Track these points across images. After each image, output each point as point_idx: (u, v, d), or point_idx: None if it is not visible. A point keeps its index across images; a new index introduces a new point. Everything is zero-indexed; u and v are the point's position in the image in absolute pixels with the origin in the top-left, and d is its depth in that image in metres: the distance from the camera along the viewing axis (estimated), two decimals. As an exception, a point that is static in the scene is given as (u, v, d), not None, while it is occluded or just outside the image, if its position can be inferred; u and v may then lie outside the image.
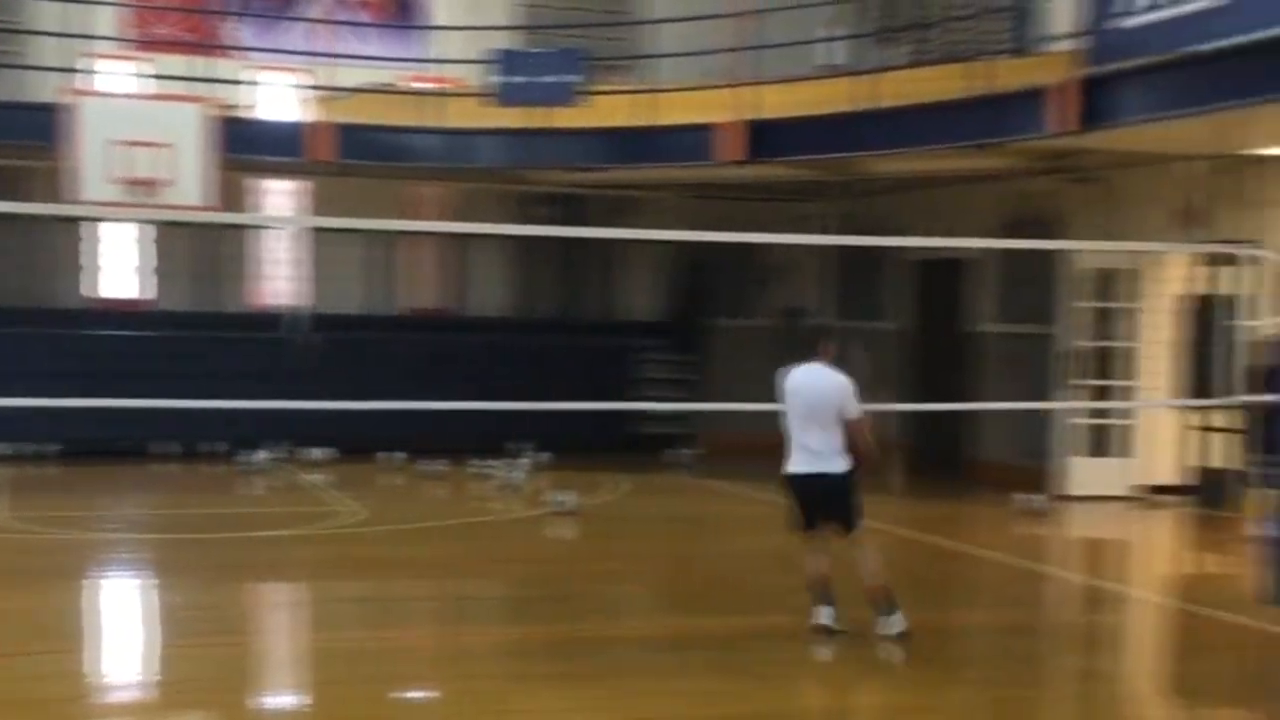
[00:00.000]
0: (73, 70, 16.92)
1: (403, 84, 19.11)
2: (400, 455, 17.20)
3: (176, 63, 18.01)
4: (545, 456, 17.56)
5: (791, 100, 16.34)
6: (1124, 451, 15.80)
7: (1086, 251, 15.60)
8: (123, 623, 9.77)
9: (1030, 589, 11.27)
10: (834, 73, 17.26)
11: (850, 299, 20.60)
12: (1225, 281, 15.25)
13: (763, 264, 21.01)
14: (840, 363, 9.25)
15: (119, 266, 19.08)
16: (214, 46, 18.86)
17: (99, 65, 18.42)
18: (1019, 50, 16.53)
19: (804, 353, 9.31)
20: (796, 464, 9.16)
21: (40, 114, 16.20)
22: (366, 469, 16.99)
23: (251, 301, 19.55)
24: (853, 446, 9.07)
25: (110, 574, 11.36)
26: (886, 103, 15.19)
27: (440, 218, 19.77)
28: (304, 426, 18.12)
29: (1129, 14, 12.33)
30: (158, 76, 17.97)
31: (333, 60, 18.07)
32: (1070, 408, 15.44)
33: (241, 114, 17.74)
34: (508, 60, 16.99)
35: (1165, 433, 15.69)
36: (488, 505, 15.12)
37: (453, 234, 19.98)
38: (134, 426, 17.09)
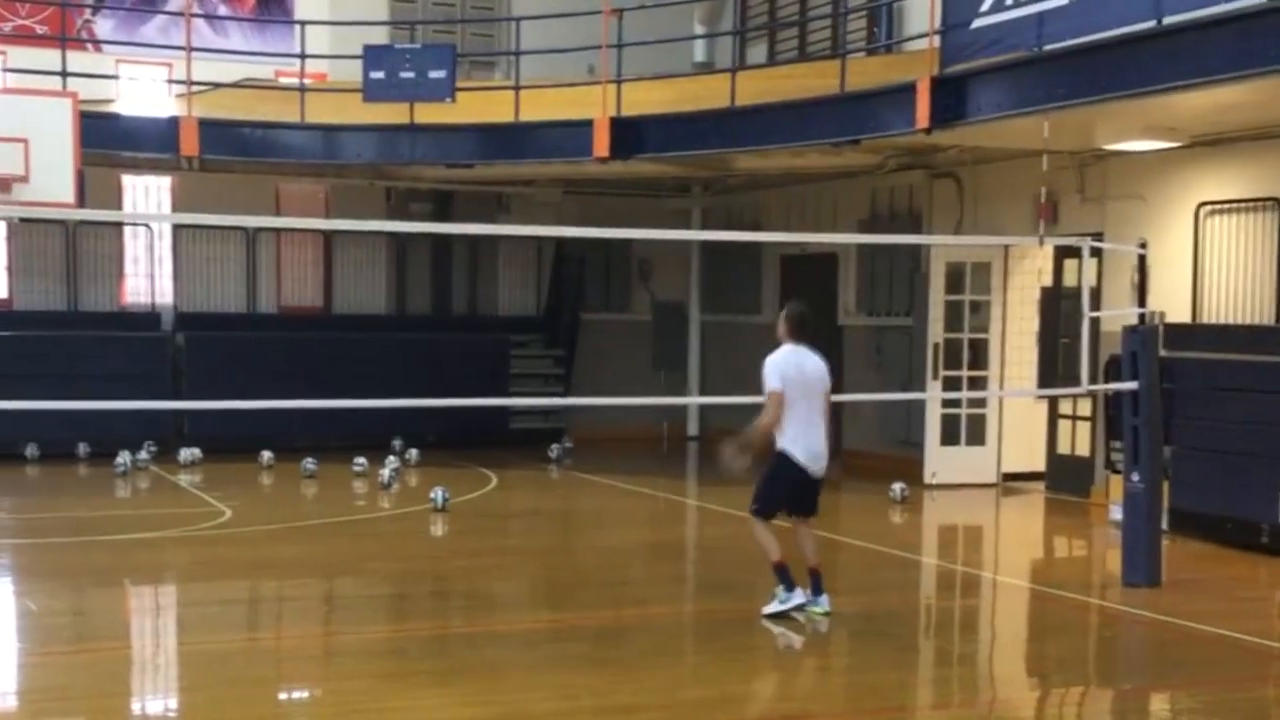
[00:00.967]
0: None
1: (269, 79, 18.93)
2: (270, 455, 17.04)
3: (35, 55, 17.60)
4: (417, 453, 17.55)
5: (656, 98, 16.53)
6: (986, 440, 16.26)
7: (945, 245, 16.00)
8: (-16, 631, 9.58)
9: (896, 574, 11.58)
10: (698, 70, 17.49)
11: (720, 293, 20.91)
12: (1075, 273, 15.77)
13: (635, 258, 21.24)
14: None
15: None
16: (74, 39, 18.46)
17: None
18: (876, 50, 16.90)
19: (800, 334, 9.40)
20: (811, 456, 9.25)
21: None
22: (236, 469, 16.80)
23: (116, 300, 19.20)
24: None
25: (-29, 581, 11.12)
26: (749, 101, 15.43)
27: (311, 214, 19.63)
28: (172, 427, 17.90)
29: (979, 15, 12.73)
30: (16, 70, 17.55)
31: (197, 54, 17.78)
32: (933, 398, 15.84)
33: (104, 108, 17.40)
34: (376, 56, 16.90)
35: (1026, 421, 16.19)
36: (359, 503, 15.08)
37: (324, 231, 19.85)
38: (-6, 428, 16.72)
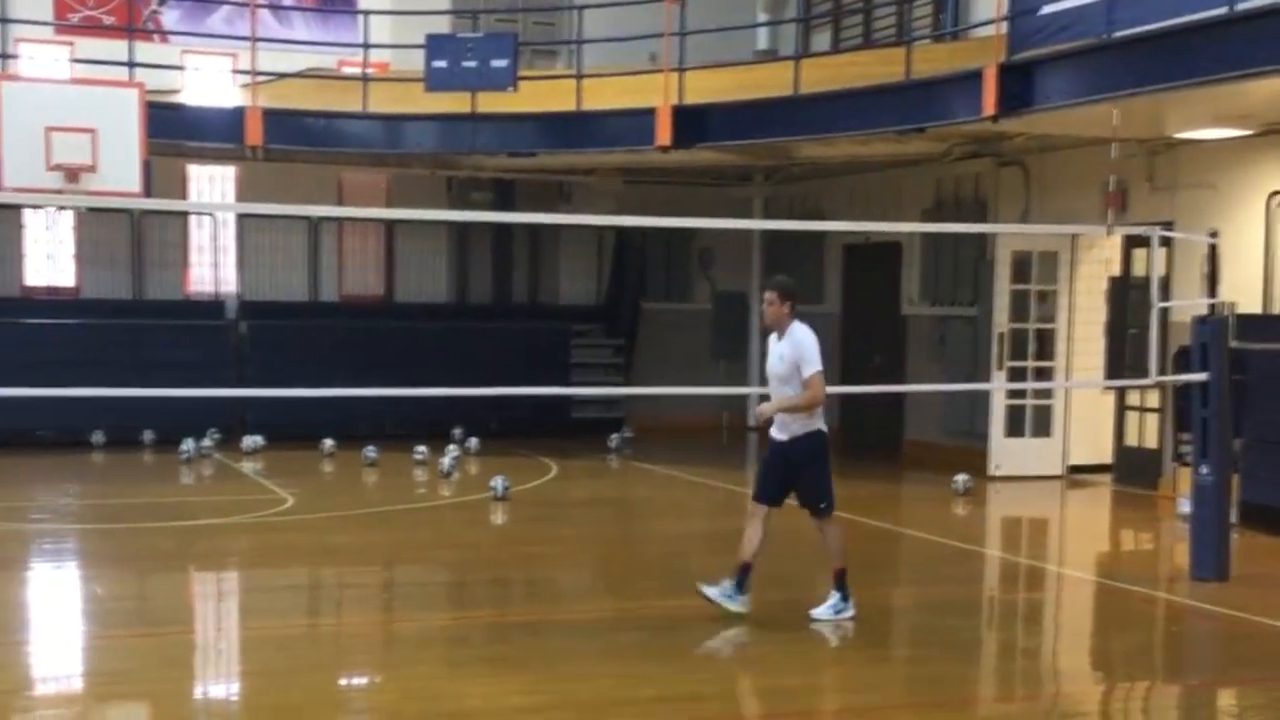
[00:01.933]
0: (-1, 55, 16.70)
1: (332, 69, 19.03)
2: (332, 442, 17.14)
3: (102, 47, 17.79)
4: (478, 442, 17.58)
5: (719, 86, 16.45)
6: (1053, 431, 16.06)
7: (1011, 234, 15.82)
8: (51, 614, 9.68)
9: (958, 567, 11.45)
10: (761, 58, 17.40)
11: (782, 282, 20.74)
12: (1144, 263, 15.53)
13: (696, 248, 21.15)
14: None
15: (47, 254, 18.86)
16: (141, 30, 18.66)
17: (24, 50, 18.18)
18: (942, 36, 16.73)
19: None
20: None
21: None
22: (298, 456, 16.92)
23: (181, 289, 19.39)
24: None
25: (38, 565, 11.25)
26: (812, 89, 15.32)
27: (373, 204, 19.73)
28: (236, 414, 18.04)
29: (1047, 0, 12.55)
30: (84, 61, 17.76)
31: (262, 44, 17.90)
32: (998, 389, 15.66)
33: (170, 99, 17.57)
34: (439, 45, 16.94)
35: (1093, 413, 15.97)
36: (420, 491, 15.13)
37: (386, 220, 19.92)
38: (61, 416, 16.93)
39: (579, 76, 17.08)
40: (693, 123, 16.12)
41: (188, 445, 16.47)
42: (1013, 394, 15.78)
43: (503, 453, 17.03)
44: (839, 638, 9.02)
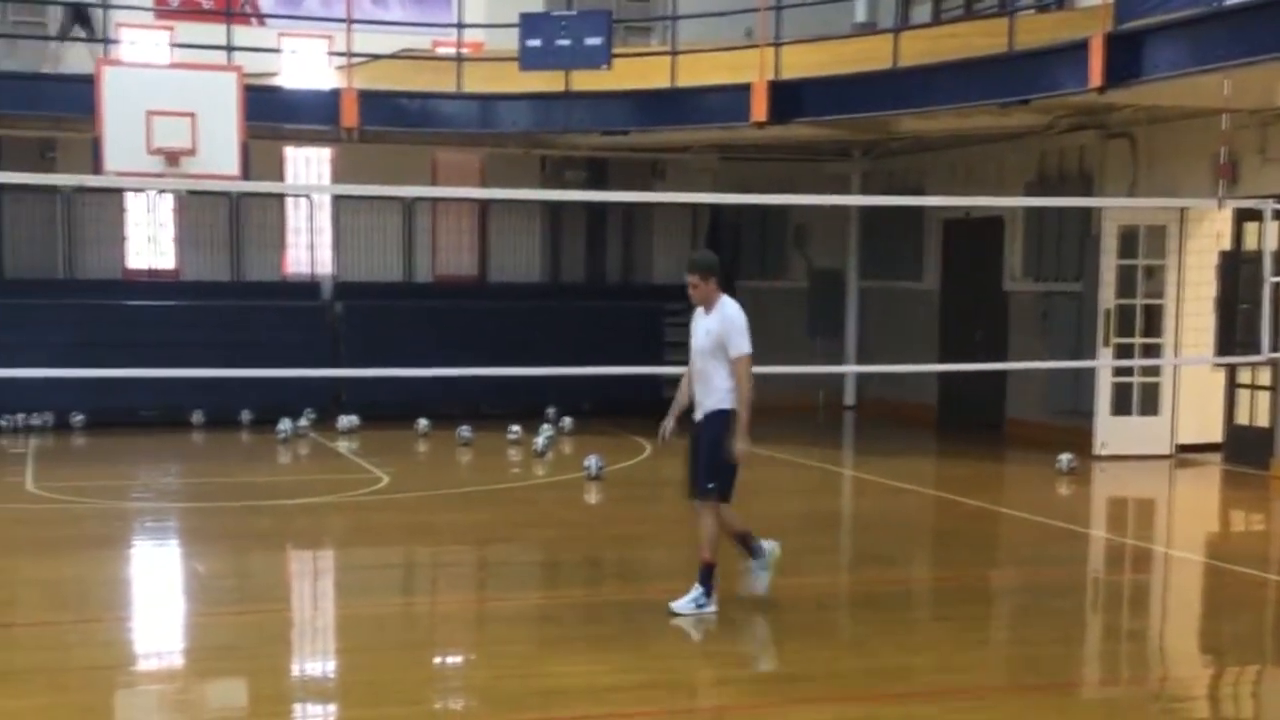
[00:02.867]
0: (102, 40, 16.92)
1: (427, 49, 19.07)
2: (426, 422, 17.20)
3: (201, 31, 17.97)
4: (571, 421, 17.55)
5: (816, 60, 16.21)
6: (1161, 410, 15.66)
7: (1118, 208, 15.45)
8: (153, 591, 9.81)
9: (1062, 548, 11.18)
10: (860, 31, 17.12)
11: (880, 259, 20.50)
12: (1256, 237, 15.06)
13: (791, 224, 20.91)
14: None
15: (148, 237, 19.16)
16: (239, 14, 18.84)
17: (127, 35, 18.43)
18: (1046, 6, 16.34)
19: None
20: None
21: (71, 85, 16.27)
22: (393, 436, 17.02)
23: (278, 270, 19.58)
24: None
25: (139, 543, 11.41)
26: (913, 61, 15.05)
27: (467, 184, 19.76)
28: (332, 394, 18.18)
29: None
30: (183, 45, 17.96)
31: (357, 26, 17.98)
32: (1104, 366, 15.31)
33: (267, 82, 17.72)
34: (533, 23, 16.88)
35: (1203, 390, 15.54)
36: (514, 471, 15.13)
37: (479, 200, 19.95)
38: (162, 396, 17.18)
39: (674, 53, 16.94)
40: (789, 98, 15.91)
41: (284, 425, 16.63)
42: (1119, 371, 15.42)
43: (596, 432, 16.98)
44: (940, 619, 8.84)
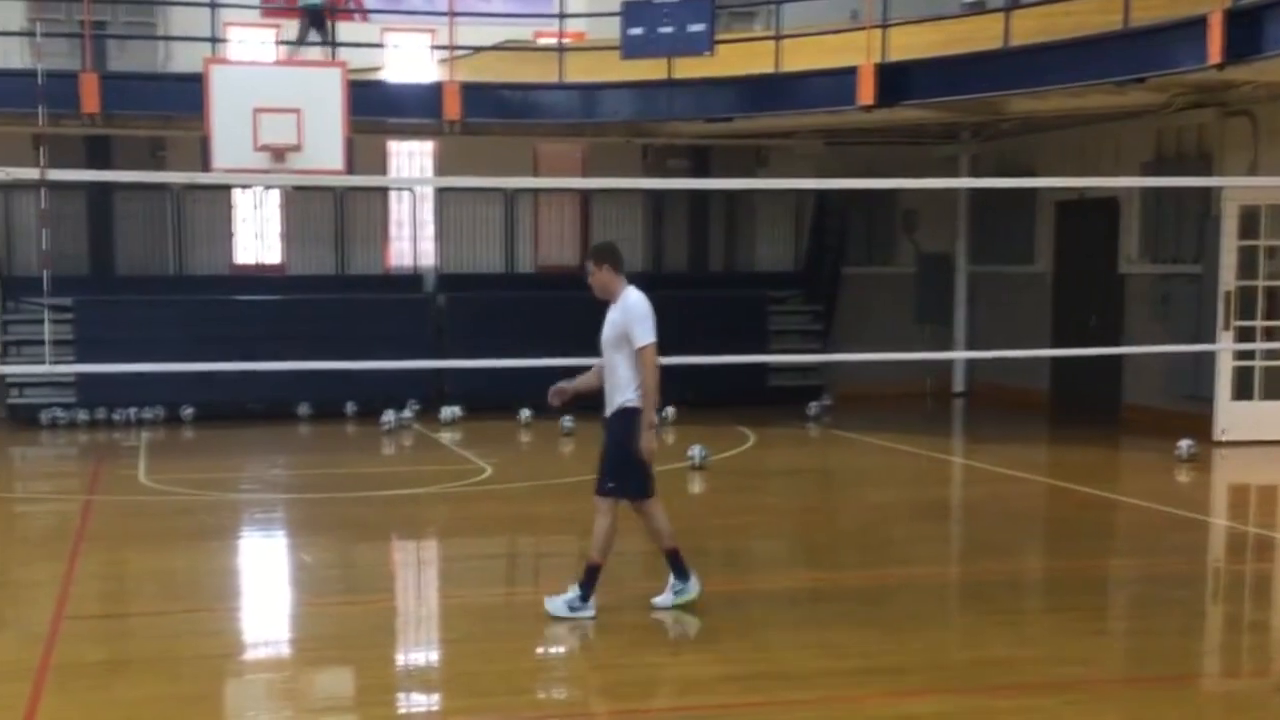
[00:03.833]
0: (209, 39, 17.17)
1: (529, 40, 19.08)
2: (529, 412, 17.20)
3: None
4: (674, 411, 17.43)
5: (924, 41, 15.92)
6: (1284, 395, 15.19)
7: (1239, 187, 14.96)
8: (260, 581, 9.89)
9: (1181, 536, 10.84)
10: (969, 10, 16.77)
11: (990, 243, 20.11)
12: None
13: (899, 209, 20.59)
14: None
15: (255, 232, 19.41)
16: (343, 10, 18.99)
17: (234, 33, 18.68)
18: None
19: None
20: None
21: (180, 84, 16.54)
22: (496, 427, 17.04)
23: (382, 263, 19.73)
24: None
25: (247, 533, 11.52)
26: (1024, 40, 14.70)
27: (568, 174, 19.73)
28: (434, 386, 18.26)
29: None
30: (289, 43, 18.16)
31: (459, 19, 18.03)
32: (1225, 350, 14.85)
33: (371, 76, 17.85)
34: (635, 12, 16.80)
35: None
36: (619, 461, 15.03)
37: (581, 190, 19.91)
38: (269, 389, 17.39)
39: (778, 37, 16.75)
40: (896, 80, 15.64)
41: (388, 416, 16.73)
42: (1241, 355, 14.94)
43: (699, 422, 16.84)
44: (1052, 609, 8.58)
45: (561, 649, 7.97)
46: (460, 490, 12.81)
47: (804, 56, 16.56)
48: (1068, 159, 17.94)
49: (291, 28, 18.21)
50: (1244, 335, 15.01)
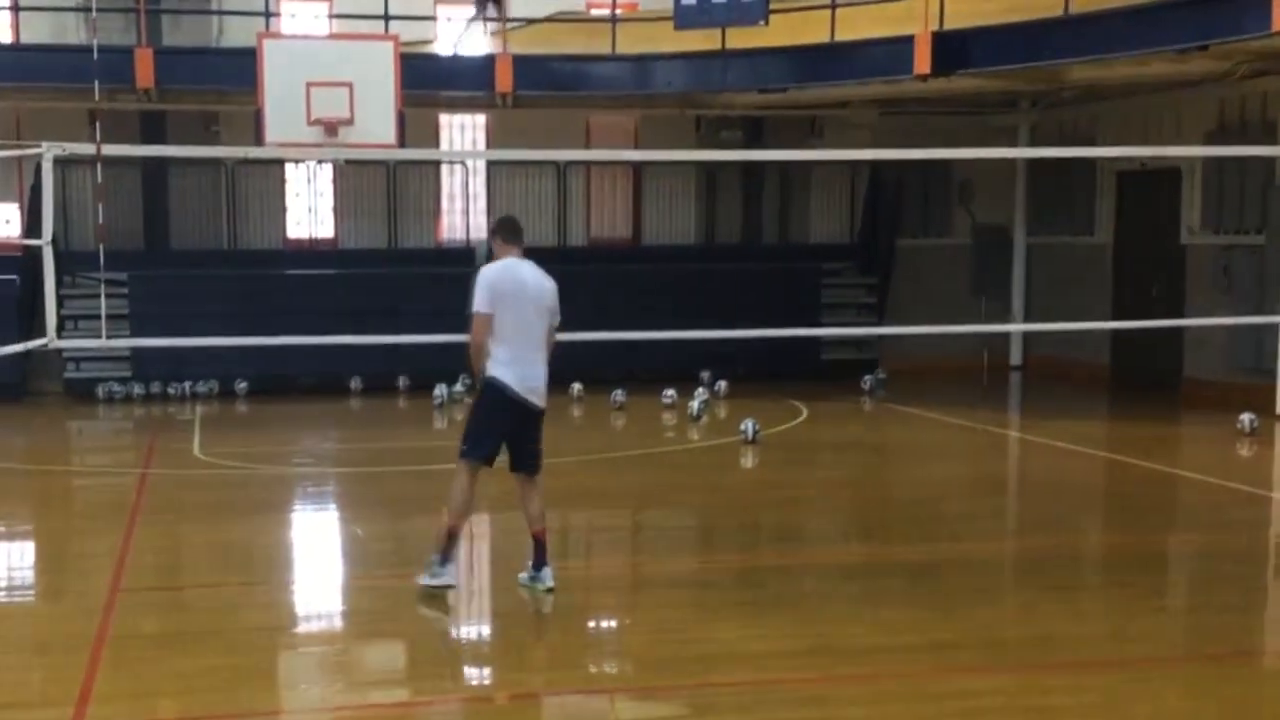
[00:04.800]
0: (263, 14, 17.20)
1: (580, 11, 18.97)
2: (580, 386, 17.15)
3: (360, 0, 18.14)
4: (726, 385, 17.34)
5: (983, 9, 15.66)
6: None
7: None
8: (313, 555, 9.93)
9: (1243, 512, 10.66)
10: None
11: (1049, 214, 19.84)
12: None
13: (955, 180, 20.33)
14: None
15: (308, 207, 19.45)
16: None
17: (287, 7, 18.70)
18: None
19: (512, 243, 8.11)
20: (527, 388, 7.92)
21: (233, 59, 16.58)
22: (549, 401, 16.96)
23: (433, 237, 19.72)
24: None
25: (300, 507, 11.57)
26: (1086, 8, 14.44)
27: (621, 146, 19.62)
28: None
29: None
30: (341, 16, 18.16)
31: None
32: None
33: (423, 49, 17.81)
34: (686, -19, 16.65)
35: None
36: (668, 435, 15.00)
37: (634, 162, 19.80)
38: (321, 363, 17.44)
39: (833, 6, 16.54)
40: (954, 49, 15.40)
41: (440, 391, 16.74)
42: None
43: (752, 395, 16.74)
44: (1110, 585, 8.45)
45: (613, 623, 7.93)
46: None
47: (859, 25, 16.35)
48: (1129, 128, 17.63)
49: (343, 1, 18.21)
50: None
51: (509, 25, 17.90)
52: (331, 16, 18.75)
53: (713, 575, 8.91)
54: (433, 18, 19.05)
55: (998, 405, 17.41)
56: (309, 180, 19.38)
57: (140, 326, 16.86)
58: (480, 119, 19.50)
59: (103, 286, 15.29)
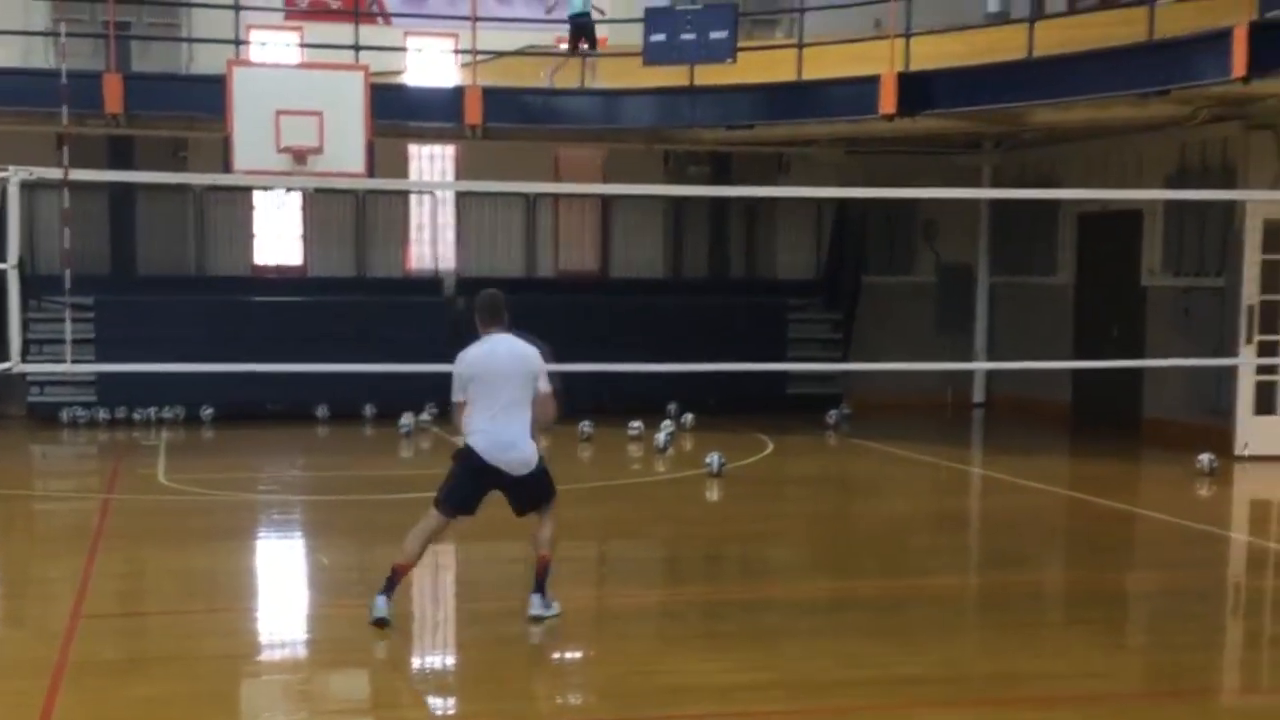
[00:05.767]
0: (233, 41, 17.21)
1: (551, 45, 19.08)
2: (548, 418, 17.14)
3: (329, 31, 18.19)
4: (692, 417, 17.40)
5: (947, 51, 15.89)
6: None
7: (1263, 201, 14.89)
8: (278, 582, 9.90)
9: (1202, 551, 10.78)
10: (992, 21, 16.74)
11: (1012, 253, 20.05)
12: None
13: (920, 218, 20.52)
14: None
15: (276, 234, 19.44)
16: (366, 13, 19.02)
17: (257, 36, 18.73)
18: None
19: (489, 322, 8.59)
20: (498, 447, 8.18)
21: (203, 86, 16.57)
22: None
23: (402, 266, 19.73)
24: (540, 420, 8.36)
25: (265, 534, 11.54)
26: (1048, 51, 14.66)
27: (589, 179, 19.72)
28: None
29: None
30: (311, 45, 18.20)
31: (481, 24, 18.03)
32: (1247, 364, 14.77)
33: (393, 80, 17.86)
34: (657, 18, 16.79)
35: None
36: (635, 467, 15.04)
37: (602, 196, 19.90)
38: (288, 390, 17.40)
39: (800, 46, 16.72)
40: (919, 90, 15.59)
41: (407, 420, 16.73)
42: (1263, 370, 14.87)
43: (718, 429, 16.81)
44: (1073, 622, 8.54)
45: (578, 655, 7.95)
46: (478, 494, 12.77)
47: (826, 65, 16.52)
48: (1091, 170, 17.88)
49: (315, 30, 18.26)
50: (1266, 349, 14.93)
51: (479, 58, 17.96)
52: (301, 45, 18.78)
53: (678, 608, 8.94)
54: (403, 49, 19.14)
55: (961, 441, 17.54)
56: (277, 208, 19.37)
57: (106, 351, 16.79)
58: (449, 149, 19.57)
59: (68, 311, 15.20)
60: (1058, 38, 15.03)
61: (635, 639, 8.00)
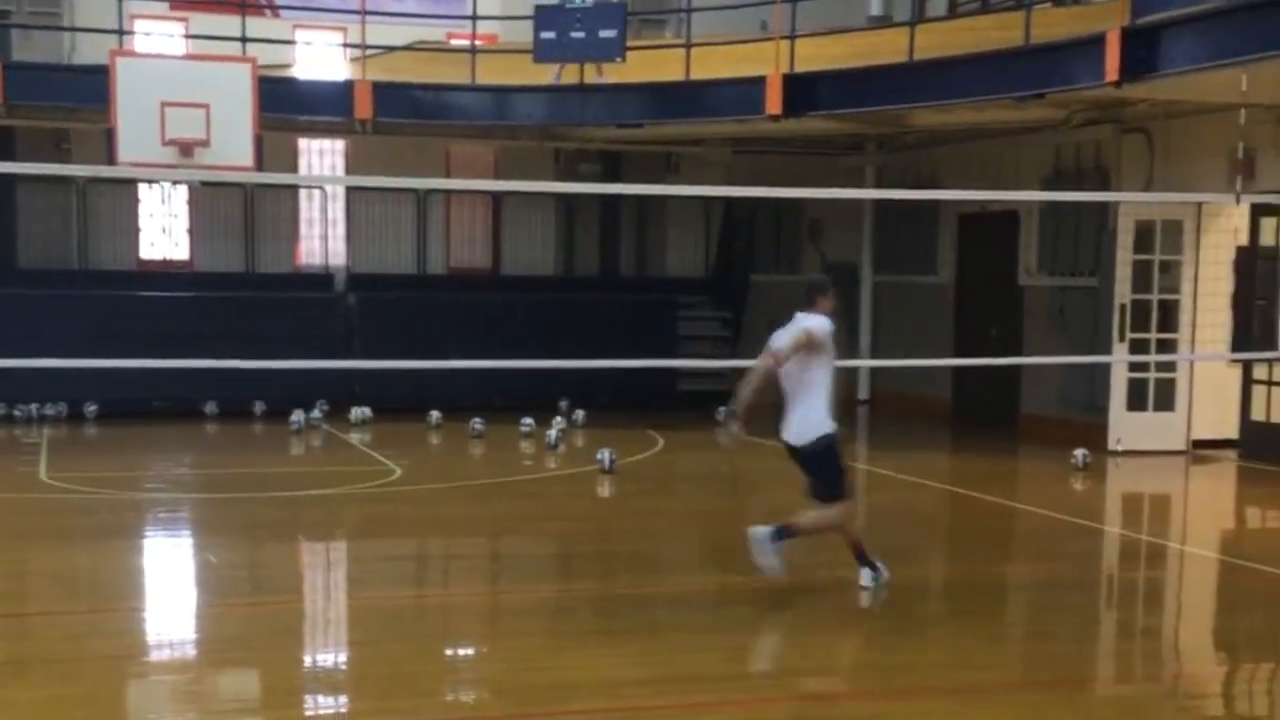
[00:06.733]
0: (116, 31, 16.92)
1: (441, 41, 19.06)
2: (439, 414, 17.18)
3: (216, 22, 17.98)
4: (584, 414, 17.52)
5: (831, 53, 16.17)
6: (1176, 406, 15.59)
7: (1134, 203, 15.37)
8: (164, 582, 9.81)
9: (1077, 544, 11.13)
10: (875, 24, 17.05)
11: (894, 253, 20.45)
12: (1273, 232, 15.01)
13: (806, 218, 20.84)
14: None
15: (162, 228, 19.17)
16: (254, 5, 18.82)
17: (141, 26, 18.43)
18: (1063, 0, 16.27)
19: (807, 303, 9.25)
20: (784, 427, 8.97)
21: (85, 76, 16.29)
22: (406, 428, 17.01)
23: (291, 262, 19.58)
24: None
25: (152, 533, 11.41)
26: (928, 54, 14.99)
27: (480, 176, 19.73)
28: (344, 386, 18.17)
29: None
30: (197, 36, 17.96)
31: (371, 18, 17.96)
32: (1119, 361, 15.24)
33: (282, 73, 17.70)
34: (547, 16, 16.85)
35: (1219, 386, 15.48)
36: (526, 464, 15.11)
37: (493, 192, 19.92)
38: (175, 387, 17.19)
39: (688, 46, 16.89)
40: (804, 91, 15.85)
41: (297, 416, 16.63)
42: (1135, 367, 15.36)
43: (609, 425, 16.94)
44: (958, 614, 8.80)
45: (470, 651, 8.02)
46: (370, 491, 12.78)
47: (713, 65, 16.72)
48: (970, 172, 18.31)
49: (202, 21, 18.03)
50: (1138, 347, 15.40)
51: (369, 52, 17.88)
52: (187, 36, 18.54)
53: (569, 603, 9.02)
54: (291, 41, 18.98)
55: (846, 438, 17.82)
56: (164, 201, 19.10)
57: (-16, 346, 16.44)
58: (340, 144, 19.45)
59: (-55, 306, 14.91)
60: (938, 41, 15.38)
61: (526, 635, 8.07)
